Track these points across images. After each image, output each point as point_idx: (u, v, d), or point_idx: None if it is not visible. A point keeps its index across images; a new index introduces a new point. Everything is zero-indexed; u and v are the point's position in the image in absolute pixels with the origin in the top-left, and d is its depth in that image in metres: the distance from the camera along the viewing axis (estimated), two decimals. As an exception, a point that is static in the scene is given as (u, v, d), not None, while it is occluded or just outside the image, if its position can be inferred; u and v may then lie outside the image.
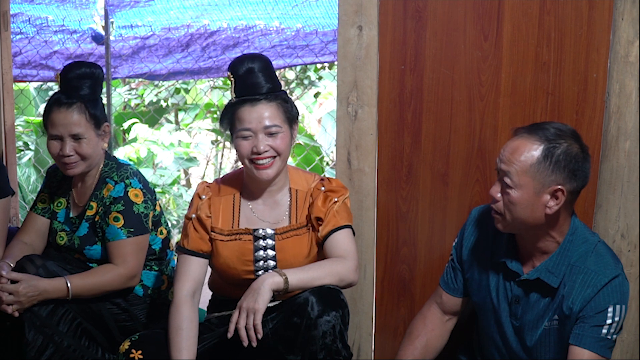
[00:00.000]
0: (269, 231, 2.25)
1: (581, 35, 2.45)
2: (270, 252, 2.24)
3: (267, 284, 2.04)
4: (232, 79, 2.19)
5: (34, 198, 2.74)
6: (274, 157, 2.18)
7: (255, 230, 2.25)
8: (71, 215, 2.60)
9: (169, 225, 2.76)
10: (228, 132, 2.26)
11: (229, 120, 2.21)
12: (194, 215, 2.26)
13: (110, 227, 2.46)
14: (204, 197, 2.26)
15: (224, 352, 2.21)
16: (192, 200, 2.30)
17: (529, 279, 2.11)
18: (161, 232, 2.63)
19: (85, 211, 2.55)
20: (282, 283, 2.05)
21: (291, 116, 2.23)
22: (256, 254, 2.25)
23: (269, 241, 2.25)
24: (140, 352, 2.18)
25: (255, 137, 2.16)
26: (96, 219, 2.51)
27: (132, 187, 2.49)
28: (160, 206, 2.64)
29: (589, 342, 2.03)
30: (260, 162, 2.17)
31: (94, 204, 2.53)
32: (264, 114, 2.16)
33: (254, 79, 2.17)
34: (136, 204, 2.49)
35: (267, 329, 2.12)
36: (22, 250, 2.52)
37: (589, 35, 2.45)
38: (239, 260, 2.25)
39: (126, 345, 2.20)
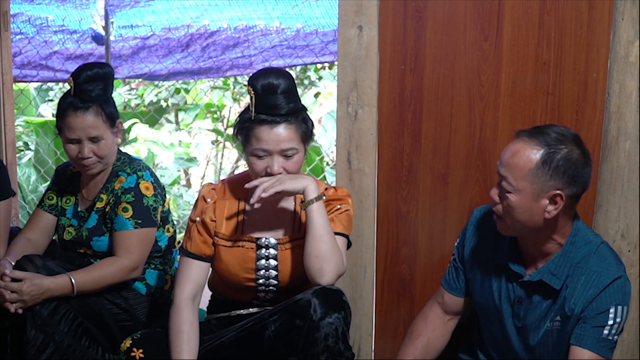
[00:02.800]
0: (272, 241, 2.24)
1: (581, 35, 2.45)
2: (272, 262, 2.24)
3: (311, 183, 2.13)
4: (252, 94, 2.12)
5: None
6: None
7: (258, 239, 2.24)
8: (79, 209, 2.60)
9: (170, 225, 2.76)
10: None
11: (245, 135, 2.17)
12: (198, 219, 2.24)
13: (119, 217, 2.47)
14: (209, 200, 2.25)
15: (225, 354, 2.20)
16: (196, 202, 2.28)
17: (532, 281, 2.11)
18: (168, 230, 2.63)
19: (94, 204, 2.56)
20: (314, 194, 2.12)
21: (308, 135, 2.19)
22: (258, 262, 2.24)
23: (272, 251, 2.24)
24: (141, 350, 2.18)
25: (271, 157, 2.13)
26: (106, 210, 2.52)
27: (143, 179, 2.51)
28: (169, 204, 2.64)
29: (590, 343, 2.03)
30: None
31: (104, 196, 2.54)
32: (283, 136, 2.11)
33: (276, 100, 2.11)
34: (146, 196, 2.50)
35: (270, 331, 2.12)
36: (24, 248, 2.53)
37: (589, 35, 2.45)
38: (240, 268, 2.24)
39: (127, 343, 2.20)
